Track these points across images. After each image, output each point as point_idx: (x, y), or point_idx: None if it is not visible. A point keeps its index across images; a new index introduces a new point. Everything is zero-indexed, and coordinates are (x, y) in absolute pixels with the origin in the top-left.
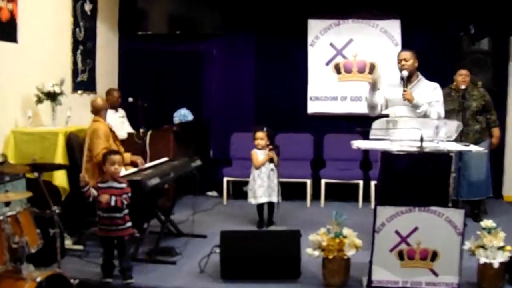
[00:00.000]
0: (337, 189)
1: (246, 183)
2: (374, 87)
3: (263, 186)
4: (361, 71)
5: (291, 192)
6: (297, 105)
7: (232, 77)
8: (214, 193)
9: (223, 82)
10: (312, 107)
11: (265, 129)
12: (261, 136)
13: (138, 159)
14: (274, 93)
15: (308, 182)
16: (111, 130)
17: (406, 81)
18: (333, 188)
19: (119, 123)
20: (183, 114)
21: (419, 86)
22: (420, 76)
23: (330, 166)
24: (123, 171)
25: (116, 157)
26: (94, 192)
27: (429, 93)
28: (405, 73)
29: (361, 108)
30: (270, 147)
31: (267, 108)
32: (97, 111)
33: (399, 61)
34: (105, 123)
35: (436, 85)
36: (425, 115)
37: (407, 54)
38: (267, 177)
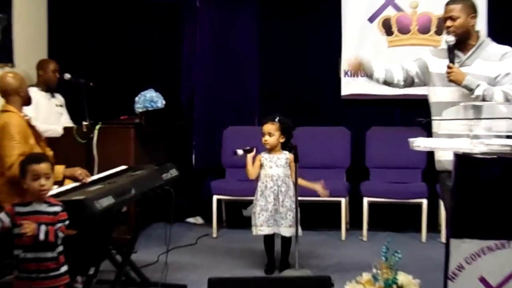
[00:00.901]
0: (388, 212)
1: (247, 203)
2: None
3: (266, 209)
4: (424, 30)
5: (317, 217)
6: (324, 84)
7: (226, 42)
8: (198, 220)
9: (212, 51)
10: (348, 87)
11: (277, 119)
12: (270, 130)
13: (77, 171)
14: (288, 67)
15: (343, 202)
16: (29, 124)
17: (454, 49)
18: (381, 210)
19: (55, 114)
20: (149, 99)
21: (480, 55)
22: (484, 39)
23: (376, 178)
24: (55, 189)
25: (42, 167)
26: (5, 220)
27: (494, 64)
28: (450, 40)
29: (422, 89)
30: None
31: (279, 89)
32: (7, 95)
33: (444, 19)
34: (20, 114)
35: (507, 50)
36: (484, 99)
37: (455, 8)
38: (275, 195)
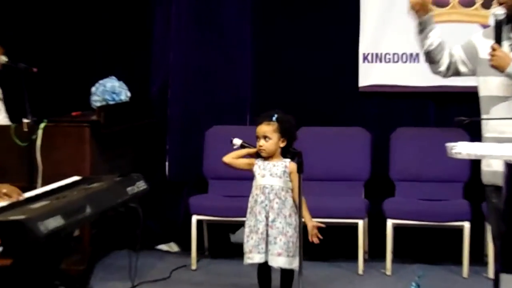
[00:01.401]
0: (419, 238)
1: (237, 226)
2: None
3: (256, 230)
4: (467, 2)
5: (327, 244)
6: (337, 71)
7: (209, 16)
8: (172, 247)
9: (191, 28)
10: (368, 76)
11: (275, 117)
12: (266, 132)
13: (4, 189)
14: (290, 49)
15: (361, 224)
16: None
17: (503, 26)
18: (410, 236)
19: None
20: (110, 90)
21: None
22: None
23: (403, 193)
24: None
25: None
26: None
27: None
28: (500, 13)
29: (466, 79)
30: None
31: (278, 78)
32: None
33: None
34: None
35: None
36: None
37: None
38: (266, 212)
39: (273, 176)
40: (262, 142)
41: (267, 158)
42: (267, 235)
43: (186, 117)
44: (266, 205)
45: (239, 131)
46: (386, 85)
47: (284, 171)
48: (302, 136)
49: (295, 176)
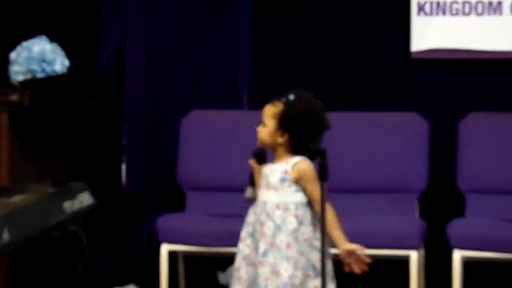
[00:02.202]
0: (498, 276)
1: (228, 260)
2: None
3: (245, 269)
4: None
5: (368, 283)
6: (377, 30)
7: None
8: None
9: None
10: (425, 37)
11: (291, 96)
12: (264, 113)
13: None
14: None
15: (414, 257)
16: None
17: None
18: (485, 273)
19: None
20: (38, 56)
21: None
22: None
23: (477, 210)
24: None
25: None
26: None
27: None
28: None
29: None
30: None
31: (291, 41)
32: None
33: None
34: None
35: None
36: None
37: None
38: (255, 242)
39: (268, 188)
40: (260, 126)
41: (274, 157)
42: (258, 275)
43: (152, 97)
44: (256, 230)
45: (233, 118)
46: (451, 49)
47: (283, 179)
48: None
49: (309, 183)
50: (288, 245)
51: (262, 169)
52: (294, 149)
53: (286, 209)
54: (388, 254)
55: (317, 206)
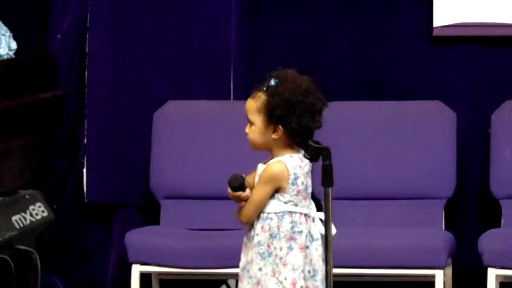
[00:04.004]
0: None
1: (215, 284)
2: None
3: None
4: None
5: None
6: (391, 5)
7: None
8: None
9: None
10: (449, 11)
11: (270, 82)
12: (247, 110)
13: None
14: None
15: (439, 277)
16: None
17: None
18: None
19: None
20: None
21: None
22: None
23: None
24: None
25: None
26: None
27: None
28: None
29: None
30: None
31: (286, 17)
32: None
33: None
34: None
35: None
36: None
37: None
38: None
39: None
40: (247, 128)
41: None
42: None
43: (118, 86)
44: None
45: (217, 110)
46: (480, 24)
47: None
48: (331, 119)
49: (259, 182)
50: (279, 272)
51: (260, 166)
52: (296, 142)
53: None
54: (409, 274)
55: (247, 206)
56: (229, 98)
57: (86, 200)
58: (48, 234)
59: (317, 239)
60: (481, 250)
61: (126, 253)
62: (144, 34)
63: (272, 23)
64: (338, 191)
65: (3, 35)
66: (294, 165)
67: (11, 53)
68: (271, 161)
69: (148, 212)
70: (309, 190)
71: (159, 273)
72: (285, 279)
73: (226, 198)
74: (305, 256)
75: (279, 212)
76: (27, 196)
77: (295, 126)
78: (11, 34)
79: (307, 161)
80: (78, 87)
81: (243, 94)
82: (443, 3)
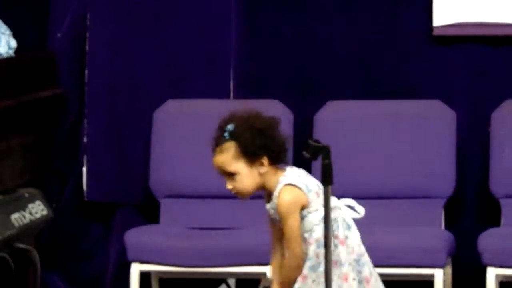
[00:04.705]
0: None
1: (214, 283)
2: None
3: None
4: None
5: None
6: (391, 7)
7: None
8: None
9: None
10: (450, 10)
11: (227, 131)
12: (222, 164)
13: None
14: None
15: (439, 276)
16: None
17: None
18: None
19: None
20: None
21: None
22: None
23: None
24: None
25: None
26: None
27: None
28: None
29: None
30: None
31: (284, 16)
32: None
33: None
34: None
35: None
36: None
37: None
38: None
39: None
40: (228, 183)
41: (266, 195)
42: None
43: (118, 86)
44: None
45: (217, 109)
46: (481, 24)
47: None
48: (332, 119)
49: (283, 219)
50: (303, 277)
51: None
52: (281, 161)
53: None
54: (408, 274)
55: (289, 247)
56: (229, 97)
57: (85, 199)
58: (48, 233)
59: (351, 226)
60: (480, 249)
61: (125, 252)
62: (144, 33)
63: (272, 22)
64: (337, 190)
65: (3, 33)
66: (295, 178)
67: (11, 51)
68: (275, 193)
69: (148, 211)
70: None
71: (159, 272)
72: (338, 277)
73: (225, 197)
74: (347, 247)
75: (317, 224)
76: (26, 195)
77: (276, 147)
78: (11, 33)
79: (295, 167)
80: (78, 86)
81: (243, 93)
82: (443, 2)
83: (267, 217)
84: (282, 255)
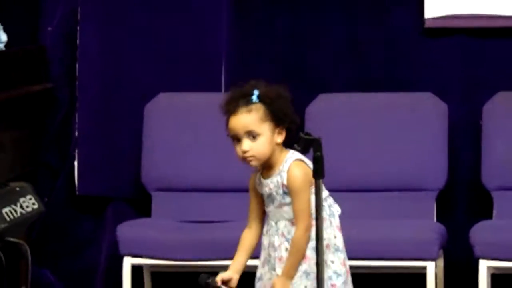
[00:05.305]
0: None
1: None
2: None
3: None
4: None
5: None
6: None
7: None
8: None
9: None
10: (441, 2)
11: (255, 94)
12: (247, 124)
13: None
14: None
15: (431, 268)
16: None
17: None
18: None
19: None
20: None
21: None
22: None
23: (508, 212)
24: None
25: None
26: None
27: None
28: None
29: None
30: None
31: (275, 10)
32: None
33: None
34: None
35: None
36: None
37: None
38: (271, 266)
39: (275, 205)
40: (246, 144)
41: (262, 170)
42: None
43: (110, 79)
44: (270, 255)
45: (208, 102)
46: (473, 16)
47: (285, 193)
48: (323, 111)
49: (294, 194)
50: (305, 258)
51: (259, 178)
52: (291, 136)
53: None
54: (400, 266)
55: (301, 220)
56: (220, 91)
57: (77, 193)
58: (39, 227)
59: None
60: (472, 242)
61: (117, 246)
62: (135, 26)
63: (263, 16)
64: (329, 182)
65: None
66: (303, 157)
67: (1, 45)
68: (282, 168)
69: (140, 205)
70: None
71: (151, 266)
72: (332, 262)
73: (217, 190)
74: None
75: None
76: (17, 189)
77: (296, 120)
78: (1, 27)
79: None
80: (69, 80)
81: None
82: None
83: (252, 191)
84: (256, 231)
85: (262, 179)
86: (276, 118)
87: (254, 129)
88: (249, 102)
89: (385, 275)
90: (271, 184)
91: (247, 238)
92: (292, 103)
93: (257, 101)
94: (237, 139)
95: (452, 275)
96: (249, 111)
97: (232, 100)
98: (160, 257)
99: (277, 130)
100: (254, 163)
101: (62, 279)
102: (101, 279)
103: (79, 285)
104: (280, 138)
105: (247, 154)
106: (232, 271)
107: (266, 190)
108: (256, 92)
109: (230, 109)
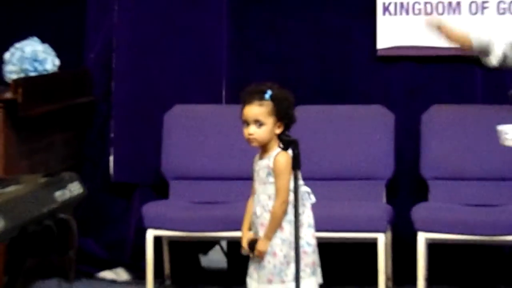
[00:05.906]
0: (463, 259)
1: (210, 244)
2: None
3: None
4: None
5: (335, 268)
6: (346, 28)
7: None
8: (120, 274)
9: None
10: (390, 35)
11: (268, 93)
12: (257, 115)
13: None
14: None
15: (381, 240)
16: None
17: None
18: (450, 256)
19: None
20: (31, 57)
21: None
22: None
23: (440, 196)
24: None
25: None
26: None
27: None
28: None
29: None
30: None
31: (264, 38)
32: None
33: None
34: None
35: None
36: None
37: None
38: (256, 230)
39: (260, 183)
40: (252, 129)
41: (261, 151)
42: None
43: (137, 94)
44: (253, 222)
45: (213, 112)
46: (415, 46)
47: (268, 173)
48: (300, 118)
49: (277, 175)
50: (282, 228)
51: (256, 158)
52: (287, 129)
53: (270, 200)
54: (357, 237)
55: (280, 195)
56: (221, 102)
57: (112, 180)
58: (83, 207)
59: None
60: (413, 218)
61: (142, 221)
62: (156, 52)
63: (257, 38)
64: (304, 172)
65: (49, 54)
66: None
67: (55, 68)
68: (273, 153)
69: (160, 190)
70: None
71: (169, 236)
72: (305, 235)
73: (221, 178)
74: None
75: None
76: (67, 177)
77: (289, 124)
78: (55, 53)
79: None
80: (106, 94)
81: (233, 99)
82: (386, 29)
83: (253, 171)
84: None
85: (258, 159)
86: (280, 115)
87: (261, 119)
88: (262, 98)
89: (345, 244)
90: (262, 164)
91: (251, 204)
92: (294, 106)
93: (269, 99)
94: (246, 123)
95: (398, 244)
96: (261, 105)
97: (251, 93)
98: (176, 229)
99: (278, 124)
100: (254, 143)
101: (101, 246)
102: (130, 246)
103: (114, 251)
104: (278, 131)
105: (251, 137)
106: (245, 230)
107: (256, 168)
108: (269, 92)
109: (247, 99)
